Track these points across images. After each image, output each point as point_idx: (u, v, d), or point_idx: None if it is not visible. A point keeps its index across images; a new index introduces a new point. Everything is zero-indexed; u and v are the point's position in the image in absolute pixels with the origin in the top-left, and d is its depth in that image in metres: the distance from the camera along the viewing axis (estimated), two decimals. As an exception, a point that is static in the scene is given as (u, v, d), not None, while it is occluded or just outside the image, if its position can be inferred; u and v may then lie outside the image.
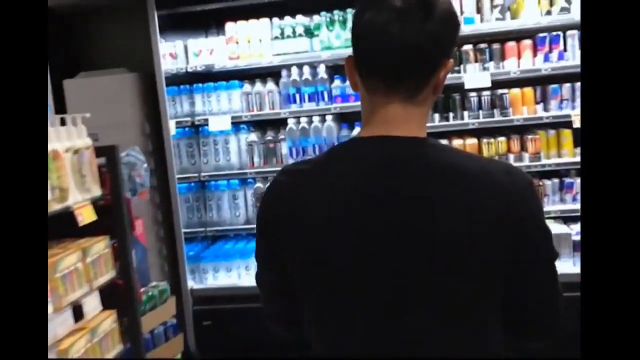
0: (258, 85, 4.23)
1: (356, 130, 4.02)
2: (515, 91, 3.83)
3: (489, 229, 0.96)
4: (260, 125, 4.43)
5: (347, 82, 3.89)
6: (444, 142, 3.39)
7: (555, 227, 3.69)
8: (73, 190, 2.18)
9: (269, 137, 4.25)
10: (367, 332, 0.99)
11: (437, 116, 3.78)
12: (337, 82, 4.08)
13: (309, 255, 1.03)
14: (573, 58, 3.61)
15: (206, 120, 4.25)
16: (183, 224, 4.37)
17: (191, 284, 4.15)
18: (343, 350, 1.02)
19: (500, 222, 0.96)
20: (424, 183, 0.97)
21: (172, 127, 4.27)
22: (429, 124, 2.77)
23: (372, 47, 1.06)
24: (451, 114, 3.81)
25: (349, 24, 4.18)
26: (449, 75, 1.13)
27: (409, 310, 0.97)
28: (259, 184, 4.24)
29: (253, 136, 4.26)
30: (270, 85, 4.22)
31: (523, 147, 3.78)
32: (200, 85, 4.29)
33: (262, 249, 1.17)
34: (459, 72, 3.71)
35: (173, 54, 4.29)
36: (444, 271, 0.96)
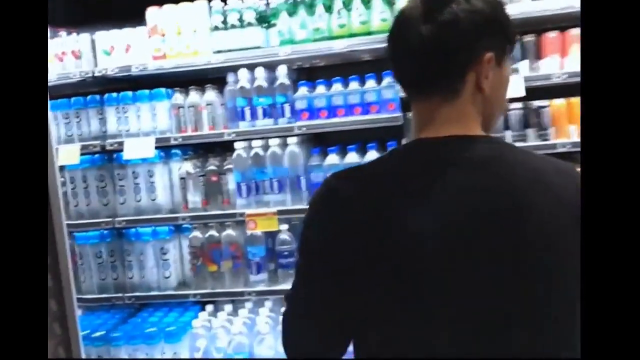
0: (193, 96, 3.03)
1: (331, 157, 2.83)
2: (559, 103, 2.66)
3: (572, 230, 0.95)
4: (199, 150, 3.23)
5: (317, 91, 2.80)
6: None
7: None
8: None
9: (210, 167, 3.04)
10: (461, 345, 0.95)
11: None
12: (302, 90, 2.89)
13: (399, 268, 0.96)
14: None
15: (121, 143, 3.04)
16: (94, 287, 3.16)
17: (99, 374, 2.93)
18: None
19: (578, 224, 0.92)
20: (513, 187, 0.97)
21: (75, 153, 3.05)
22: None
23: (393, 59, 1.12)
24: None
25: (319, 8, 2.69)
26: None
27: (509, 323, 0.95)
28: (196, 233, 3.03)
29: (188, 166, 3.05)
30: (210, 95, 3.02)
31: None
32: (113, 95, 3.09)
33: (318, 270, 1.05)
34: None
35: (76, 52, 3.08)
36: (541, 279, 0.95)
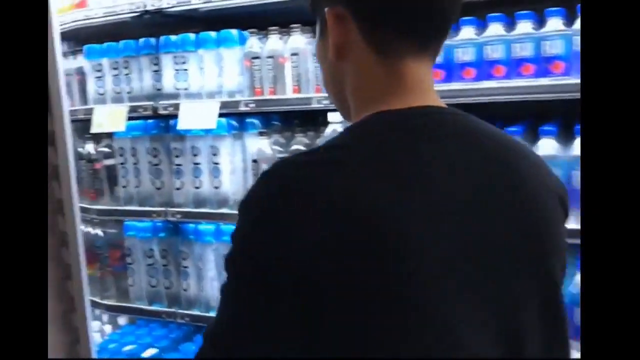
0: (274, 41, 2.07)
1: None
2: None
3: (560, 210, 0.85)
4: (283, 120, 2.29)
5: (460, 35, 1.87)
6: None
7: None
8: None
9: (295, 147, 2.09)
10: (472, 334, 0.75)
11: None
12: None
13: (400, 262, 0.70)
14: None
15: (177, 107, 2.18)
16: (143, 294, 2.39)
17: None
18: None
19: (562, 205, 0.86)
20: (510, 165, 0.82)
21: (120, 116, 2.25)
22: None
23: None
24: None
25: None
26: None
27: (519, 309, 0.78)
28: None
29: (264, 144, 2.12)
30: (298, 40, 2.04)
31: None
32: (171, 38, 2.22)
33: (281, 293, 0.71)
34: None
35: (125, -23, 2.24)
36: (553, 264, 0.82)
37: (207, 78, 2.16)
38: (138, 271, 2.42)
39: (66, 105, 1.84)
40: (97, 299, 2.52)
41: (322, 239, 0.68)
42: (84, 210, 2.48)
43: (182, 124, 2.15)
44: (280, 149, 2.15)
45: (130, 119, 2.31)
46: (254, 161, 2.12)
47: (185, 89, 2.20)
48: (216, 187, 2.19)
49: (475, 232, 0.74)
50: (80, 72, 2.44)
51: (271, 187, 0.73)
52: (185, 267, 2.30)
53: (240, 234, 0.74)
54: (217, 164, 2.18)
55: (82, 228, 2.64)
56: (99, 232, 2.52)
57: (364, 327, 0.69)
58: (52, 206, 1.85)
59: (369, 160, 0.73)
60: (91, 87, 2.40)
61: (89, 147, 2.48)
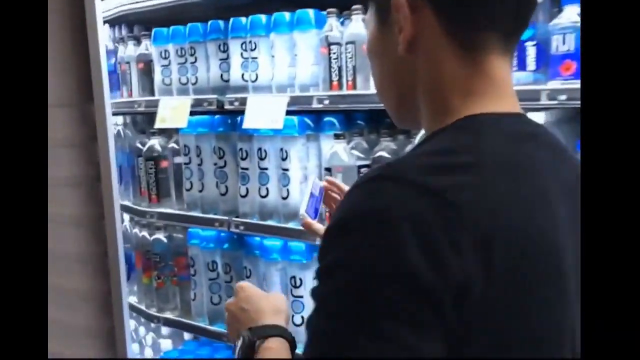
0: (356, 23, 1.68)
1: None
2: None
3: None
4: (368, 119, 1.90)
5: None
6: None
7: None
8: None
9: (380, 154, 1.71)
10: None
11: None
12: (568, 12, 1.34)
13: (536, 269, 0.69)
14: None
15: (244, 101, 1.86)
16: (204, 311, 2.13)
17: None
18: None
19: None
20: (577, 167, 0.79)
21: (183, 110, 1.98)
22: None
23: None
24: None
25: None
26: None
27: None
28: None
29: (339, 148, 1.75)
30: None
31: None
32: (241, 20, 1.90)
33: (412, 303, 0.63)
34: None
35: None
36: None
37: (278, 68, 1.82)
38: (200, 284, 2.15)
39: (107, 97, 1.58)
40: (153, 311, 2.29)
41: (481, 252, 0.62)
42: (140, 213, 2.25)
43: (248, 121, 1.83)
44: (361, 155, 1.77)
45: (195, 113, 2.03)
46: (327, 170, 1.75)
47: (254, 80, 1.87)
48: (284, 198, 1.86)
49: (574, 238, 0.71)
50: (143, 59, 2.19)
51: (408, 193, 0.63)
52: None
53: (379, 250, 0.62)
54: (286, 170, 1.84)
55: (136, 232, 2.44)
56: (161, 237, 2.28)
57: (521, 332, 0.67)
58: (91, 209, 1.60)
59: (500, 166, 0.68)
60: (157, 76, 2.14)
61: (155, 143, 2.23)
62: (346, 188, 1.19)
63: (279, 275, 1.92)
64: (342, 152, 1.74)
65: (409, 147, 1.68)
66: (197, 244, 2.13)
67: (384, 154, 1.71)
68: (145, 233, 2.32)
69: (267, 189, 1.89)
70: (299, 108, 1.77)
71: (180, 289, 2.29)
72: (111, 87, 2.49)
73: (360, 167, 1.76)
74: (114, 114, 2.43)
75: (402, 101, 0.77)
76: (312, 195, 1.20)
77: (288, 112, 1.79)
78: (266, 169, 1.89)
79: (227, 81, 1.96)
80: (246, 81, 1.90)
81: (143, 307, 2.33)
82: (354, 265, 0.61)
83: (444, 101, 0.71)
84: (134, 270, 2.42)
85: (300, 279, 1.86)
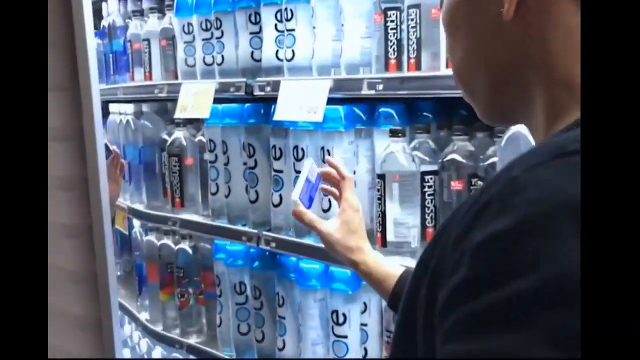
0: (423, -21, 1.23)
1: None
2: None
3: None
4: (434, 110, 1.46)
5: None
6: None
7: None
8: None
9: (451, 157, 1.26)
10: None
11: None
12: None
13: None
14: None
15: (276, 85, 1.46)
16: (230, 340, 1.76)
17: None
18: None
19: None
20: None
21: (206, 96, 1.61)
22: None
23: None
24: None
25: None
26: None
27: None
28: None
29: (396, 147, 1.32)
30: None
31: None
32: (275, -17, 1.50)
33: None
34: None
35: None
36: None
37: (320, 43, 1.41)
38: (226, 307, 1.78)
39: (94, 82, 1.22)
40: (175, 335, 1.94)
41: None
42: (158, 219, 1.90)
43: (280, 112, 1.43)
44: (426, 159, 1.34)
45: (222, 101, 1.65)
46: (380, 176, 1.33)
47: (289, 59, 1.47)
48: (325, 210, 1.45)
49: None
50: (166, 34, 1.82)
51: None
52: (282, 317, 1.60)
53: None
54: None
55: (151, 239, 2.10)
56: (186, 247, 1.92)
57: None
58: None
59: None
60: (180, 54, 1.78)
61: (180, 136, 1.87)
62: (348, 175, 1.06)
63: (317, 307, 1.51)
64: (400, 153, 1.30)
65: (492, 149, 1.23)
66: (223, 260, 1.76)
67: (457, 157, 1.27)
68: (168, 241, 1.98)
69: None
70: (344, 95, 1.36)
71: (207, 309, 1.93)
72: (119, 69, 2.17)
73: (424, 174, 1.33)
74: (123, 100, 2.10)
75: (497, 88, 0.59)
76: (307, 180, 1.05)
77: (332, 101, 1.37)
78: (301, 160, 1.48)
79: (259, 61, 1.56)
80: (281, 60, 1.49)
81: (160, 329, 1.99)
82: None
83: (569, 86, 0.53)
84: (145, 284, 2.09)
85: (344, 315, 1.45)
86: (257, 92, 1.53)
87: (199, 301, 1.94)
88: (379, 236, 1.34)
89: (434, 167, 1.33)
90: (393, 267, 1.00)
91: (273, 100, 1.49)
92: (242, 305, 1.73)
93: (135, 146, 2.07)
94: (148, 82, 1.89)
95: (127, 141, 2.05)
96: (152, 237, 2.06)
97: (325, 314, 1.50)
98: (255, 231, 1.60)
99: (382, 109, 1.42)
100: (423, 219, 1.35)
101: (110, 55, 2.10)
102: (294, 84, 1.42)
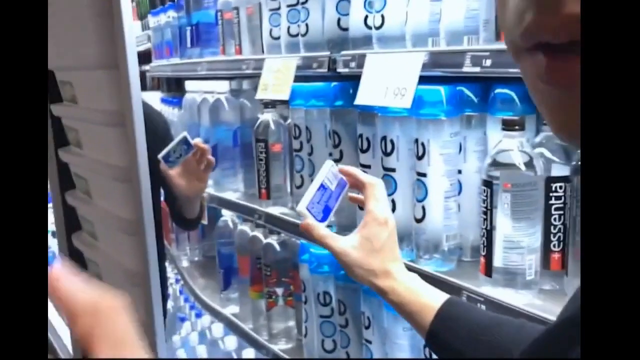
0: None
1: None
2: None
3: None
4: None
5: None
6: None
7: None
8: None
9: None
10: None
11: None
12: None
13: None
14: None
15: (362, 59, 1.17)
16: (315, 353, 1.54)
17: None
18: None
19: None
20: None
21: (286, 75, 1.36)
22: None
23: None
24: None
25: None
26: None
27: None
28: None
29: (510, 144, 0.97)
30: None
31: None
32: None
33: None
34: None
35: None
36: None
37: (415, 5, 1.08)
38: (311, 317, 1.54)
39: (132, 62, 1.03)
40: (263, 339, 1.75)
41: None
42: (244, 210, 1.71)
43: (363, 93, 1.14)
44: (554, 159, 0.98)
45: (306, 79, 1.39)
46: (486, 182, 0.99)
47: (379, 26, 1.16)
48: (418, 220, 1.14)
49: None
50: (253, 1, 1.59)
51: None
52: (368, 341, 1.33)
53: None
54: (422, 175, 1.12)
55: (245, 230, 1.90)
56: (273, 242, 1.71)
57: None
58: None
59: None
60: (265, 25, 1.53)
61: (268, 118, 1.65)
62: (370, 180, 0.85)
63: (407, 337, 1.22)
64: (515, 152, 0.96)
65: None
66: (307, 263, 1.52)
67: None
68: (258, 234, 1.78)
69: (393, 201, 1.19)
70: (444, 72, 1.03)
71: (297, 312, 1.71)
72: (209, 41, 1.97)
73: (551, 180, 0.98)
74: (209, 77, 1.91)
75: None
76: (322, 187, 0.86)
77: (427, 79, 1.06)
78: (392, 169, 1.18)
79: (346, 29, 1.27)
80: (369, 28, 1.19)
81: (249, 329, 1.81)
82: None
83: None
84: (234, 275, 1.92)
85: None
86: (340, 69, 1.25)
87: (288, 302, 1.73)
88: (482, 261, 1.01)
89: (565, 172, 0.97)
90: (431, 295, 0.80)
91: (358, 78, 1.20)
92: (327, 318, 1.48)
93: (229, 127, 1.88)
94: (232, 57, 1.68)
95: (215, 123, 1.87)
96: (245, 227, 1.88)
97: (418, 344, 1.21)
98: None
99: (497, 91, 1.08)
100: (547, 241, 1.00)
101: (188, 28, 1.92)
102: (381, 58, 1.12)
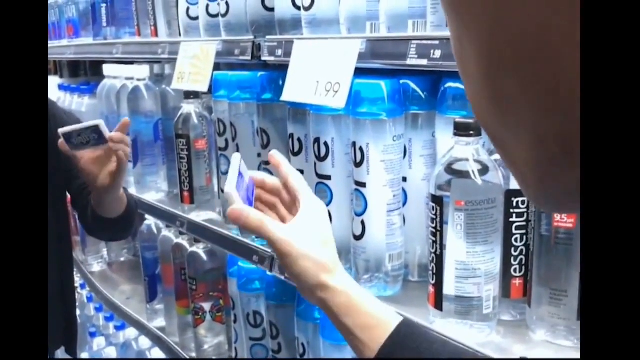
0: None
1: None
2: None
3: None
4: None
5: None
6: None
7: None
8: None
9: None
10: None
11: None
12: None
13: None
14: None
15: (289, 47, 0.98)
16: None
17: None
18: None
19: None
20: None
21: (205, 63, 1.15)
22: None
23: None
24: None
25: None
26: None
27: None
28: None
29: (465, 152, 0.80)
30: None
31: None
32: None
33: None
34: None
35: None
36: None
37: (351, -19, 0.90)
38: (241, 338, 1.36)
39: None
40: (191, 355, 1.56)
41: None
42: (163, 215, 1.51)
43: (290, 88, 0.95)
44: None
45: (229, 66, 1.19)
46: (435, 200, 0.82)
47: (308, 7, 0.97)
48: (357, 237, 0.97)
49: None
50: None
51: None
52: (303, 370, 1.16)
53: None
54: (361, 185, 0.94)
55: (169, 236, 1.69)
56: (199, 251, 1.52)
57: None
58: None
59: None
60: (182, 4, 1.32)
61: (190, 110, 1.44)
62: (294, 171, 0.73)
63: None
64: (470, 162, 0.79)
65: None
66: (236, 278, 1.33)
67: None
68: (182, 241, 1.58)
69: (328, 211, 1.01)
70: (384, 64, 0.85)
71: (228, 329, 1.53)
72: (127, 20, 1.72)
73: (511, 193, 0.82)
74: (126, 61, 1.68)
75: None
76: (241, 175, 0.69)
77: (366, 70, 0.88)
78: (327, 177, 1.00)
79: (272, 10, 1.07)
80: (298, 9, 1.00)
81: (174, 344, 1.61)
82: None
83: None
84: (160, 283, 1.72)
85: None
86: (266, 57, 1.05)
87: (216, 319, 1.54)
88: (431, 291, 0.85)
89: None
90: (380, 307, 0.67)
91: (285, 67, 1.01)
92: (258, 341, 1.30)
93: (149, 119, 1.66)
94: (147, 40, 1.46)
95: (133, 113, 1.64)
96: (169, 234, 1.68)
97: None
98: (270, 252, 1.15)
99: (449, 85, 0.91)
100: (507, 266, 0.85)
101: (103, 5, 1.67)
102: (310, 45, 0.93)
